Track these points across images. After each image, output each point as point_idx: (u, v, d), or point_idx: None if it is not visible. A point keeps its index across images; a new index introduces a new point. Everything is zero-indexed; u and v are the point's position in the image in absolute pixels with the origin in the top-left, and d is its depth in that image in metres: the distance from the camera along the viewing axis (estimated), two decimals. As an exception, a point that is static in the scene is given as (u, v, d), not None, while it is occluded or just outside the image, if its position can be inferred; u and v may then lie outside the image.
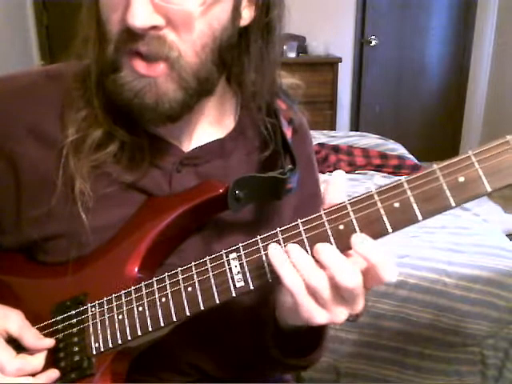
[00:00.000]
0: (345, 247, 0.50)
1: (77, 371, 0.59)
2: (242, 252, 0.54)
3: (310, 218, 0.51)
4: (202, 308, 0.55)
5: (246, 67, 0.62)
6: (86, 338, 0.59)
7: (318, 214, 0.51)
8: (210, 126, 0.67)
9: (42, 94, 0.64)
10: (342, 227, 0.50)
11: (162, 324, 0.57)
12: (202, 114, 0.65)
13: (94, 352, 0.59)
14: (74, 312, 0.61)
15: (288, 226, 0.52)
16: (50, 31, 3.43)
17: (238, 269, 0.54)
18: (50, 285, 0.64)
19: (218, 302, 0.55)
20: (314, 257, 0.50)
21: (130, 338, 0.58)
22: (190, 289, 0.56)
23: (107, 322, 0.59)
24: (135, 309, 0.58)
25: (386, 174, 2.38)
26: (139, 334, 0.57)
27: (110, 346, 0.58)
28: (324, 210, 0.51)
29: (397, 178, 0.51)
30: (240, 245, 0.54)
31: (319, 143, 2.65)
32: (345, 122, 3.95)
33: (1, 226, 0.66)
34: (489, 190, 0.46)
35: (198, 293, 0.55)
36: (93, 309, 0.60)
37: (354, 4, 3.72)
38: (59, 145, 0.61)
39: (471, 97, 3.97)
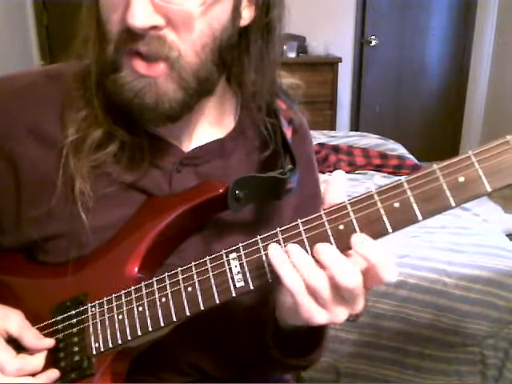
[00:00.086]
0: (345, 247, 0.50)
1: (77, 371, 0.59)
2: (242, 252, 0.54)
3: (309, 218, 0.51)
4: (202, 308, 0.55)
5: (246, 67, 0.62)
6: (86, 338, 0.59)
7: (317, 214, 0.51)
8: (210, 126, 0.67)
9: (42, 93, 0.64)
10: (342, 227, 0.50)
11: (162, 324, 0.57)
12: (202, 113, 0.65)
13: (94, 352, 0.59)
14: (73, 312, 0.61)
15: (288, 226, 0.52)
16: (50, 31, 3.43)
17: (238, 269, 0.54)
18: (50, 285, 0.64)
19: (217, 302, 0.55)
20: (314, 257, 0.50)
21: (130, 338, 0.58)
22: (190, 289, 0.56)
23: (107, 322, 0.59)
24: (135, 309, 0.58)
25: (385, 174, 2.38)
26: (139, 334, 0.57)
27: (110, 345, 0.58)
28: (324, 210, 0.51)
29: (397, 178, 0.51)
30: (240, 245, 0.54)
31: (319, 143, 2.65)
32: (345, 122, 3.95)
33: (1, 225, 0.66)
34: (489, 190, 0.46)
35: (198, 293, 0.55)
36: (93, 309, 0.60)
37: (354, 4, 3.72)
38: (59, 145, 0.61)
39: (471, 97, 3.97)
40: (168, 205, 0.62)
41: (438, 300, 1.47)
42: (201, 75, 0.56)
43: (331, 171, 2.36)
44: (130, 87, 0.55)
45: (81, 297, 0.61)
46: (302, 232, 0.51)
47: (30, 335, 0.60)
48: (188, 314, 0.56)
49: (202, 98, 0.60)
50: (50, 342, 0.60)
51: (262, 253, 0.53)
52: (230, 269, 0.54)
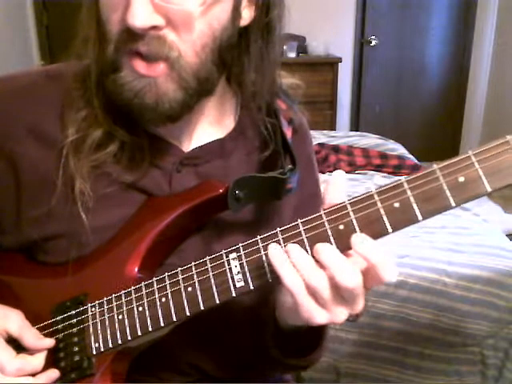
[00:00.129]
0: (345, 247, 0.50)
1: (77, 371, 0.59)
2: (242, 252, 0.54)
3: (309, 218, 0.51)
4: (202, 308, 0.55)
5: (246, 67, 0.62)
6: (85, 338, 0.59)
7: (317, 214, 0.51)
8: (210, 126, 0.67)
9: (42, 94, 0.64)
10: (342, 227, 0.50)
11: (162, 324, 0.57)
12: (202, 114, 0.65)
13: (94, 352, 0.59)
14: (73, 312, 0.61)
15: (288, 225, 0.52)
16: (50, 31, 3.43)
17: (238, 269, 0.54)
18: (50, 285, 0.64)
19: (217, 301, 0.55)
20: (314, 257, 0.50)
21: (129, 338, 0.58)
22: (190, 289, 0.56)
23: (107, 322, 0.59)
24: (135, 309, 0.58)
25: (385, 174, 2.38)
26: (139, 334, 0.57)
27: (110, 345, 0.58)
28: (324, 210, 0.51)
29: (397, 178, 0.51)
30: (240, 245, 0.54)
31: (319, 143, 2.65)
32: (345, 122, 3.95)
33: (1, 226, 0.66)
34: (489, 190, 0.46)
35: (198, 293, 0.55)
36: (93, 309, 0.60)
37: (354, 4, 3.72)
38: (59, 145, 0.61)
39: (471, 97, 3.97)
40: (168, 205, 0.62)
41: (438, 300, 1.47)
42: (201, 75, 0.56)
43: (331, 171, 2.36)
44: (130, 87, 0.55)
45: (81, 297, 0.61)
46: (302, 232, 0.51)
47: (30, 335, 0.60)
48: (188, 314, 0.56)
49: (202, 98, 0.60)
50: (50, 342, 0.60)
51: (262, 253, 0.53)
52: (230, 269, 0.54)
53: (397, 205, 0.48)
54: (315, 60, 3.47)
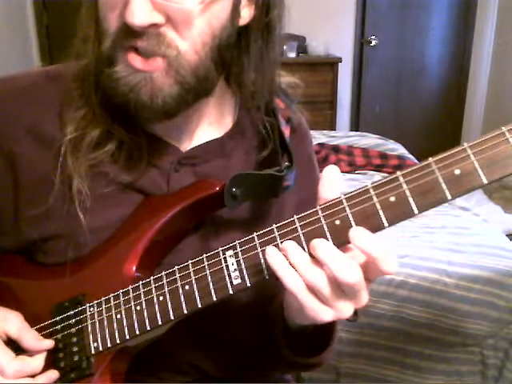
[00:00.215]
0: (342, 242, 0.49)
1: (76, 371, 0.59)
2: (239, 249, 0.54)
3: (305, 213, 0.51)
4: (200, 306, 0.55)
5: (245, 67, 0.62)
6: (84, 338, 0.60)
7: (313, 210, 0.51)
8: (209, 126, 0.67)
9: (42, 94, 0.64)
10: (338, 222, 0.50)
11: (160, 322, 0.57)
12: (200, 114, 0.65)
13: (93, 352, 0.59)
14: (72, 312, 0.61)
15: (284, 222, 0.52)
16: (50, 31, 3.42)
17: (235, 266, 0.54)
18: (49, 286, 0.64)
19: (215, 299, 0.55)
20: (311, 253, 0.49)
21: (128, 337, 0.58)
22: (187, 287, 0.56)
23: (105, 322, 0.59)
24: (133, 308, 0.58)
25: (386, 174, 2.37)
26: (137, 333, 0.57)
27: (109, 345, 0.58)
28: (320, 205, 0.51)
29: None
30: (237, 242, 0.54)
31: (319, 143, 2.65)
32: (345, 122, 3.95)
33: (0, 227, 0.66)
34: (485, 182, 0.46)
35: (196, 290, 0.55)
36: (91, 309, 0.60)
37: (354, 4, 3.71)
38: (57, 143, 0.61)
39: (471, 97, 3.96)
40: (165, 204, 0.62)
41: (438, 300, 1.47)
42: (199, 73, 0.56)
43: (331, 171, 2.35)
44: (125, 82, 0.55)
45: (79, 297, 0.61)
46: (298, 228, 0.51)
47: (30, 337, 0.60)
48: (186, 311, 0.56)
49: (200, 98, 0.60)
50: (49, 344, 0.60)
51: (259, 250, 0.53)
52: (227, 266, 0.54)
53: (393, 199, 0.48)
54: (315, 60, 3.47)
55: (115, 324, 0.58)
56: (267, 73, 0.64)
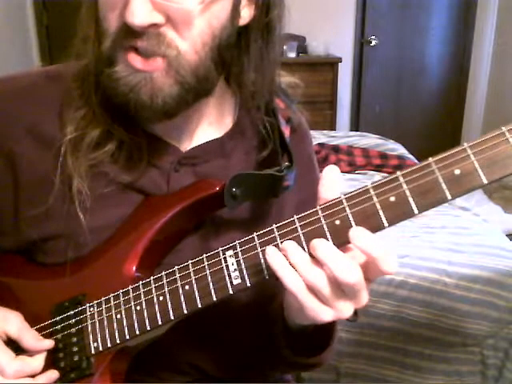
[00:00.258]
0: (342, 242, 0.49)
1: (76, 371, 0.59)
2: (239, 249, 0.54)
3: (305, 213, 0.51)
4: (200, 306, 0.55)
5: (245, 67, 0.62)
6: (84, 338, 0.60)
7: (313, 210, 0.51)
8: (209, 126, 0.67)
9: (42, 94, 0.64)
10: (338, 222, 0.50)
11: (160, 322, 0.57)
12: (200, 114, 0.65)
13: (93, 352, 0.59)
14: (72, 312, 0.61)
15: (284, 222, 0.52)
16: (50, 31, 3.42)
17: (235, 266, 0.54)
18: (49, 286, 0.64)
19: (215, 299, 0.55)
20: (311, 253, 0.49)
21: (128, 337, 0.58)
22: (187, 287, 0.56)
23: (105, 322, 0.59)
24: (133, 308, 0.58)
25: (386, 174, 2.37)
26: (137, 332, 0.57)
27: (109, 345, 0.58)
28: (320, 205, 0.51)
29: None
30: (237, 242, 0.54)
31: (319, 143, 2.65)
32: (345, 122, 3.95)
33: (0, 226, 0.66)
34: (485, 182, 0.46)
35: (196, 290, 0.55)
36: (91, 309, 0.60)
37: (354, 4, 3.71)
38: (57, 143, 0.61)
39: (471, 97, 3.96)
40: (165, 204, 0.62)
41: (438, 300, 1.47)
42: (199, 73, 0.56)
43: (331, 171, 2.35)
44: (125, 82, 0.55)
45: (79, 297, 0.61)
46: (298, 228, 0.51)
47: (30, 337, 0.60)
48: (185, 311, 0.56)
49: (200, 98, 0.60)
50: (49, 344, 0.60)
51: (259, 250, 0.53)
52: (227, 266, 0.54)
53: (393, 199, 0.48)
54: (315, 60, 3.47)
55: (115, 324, 0.58)
56: (267, 73, 0.64)
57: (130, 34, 0.53)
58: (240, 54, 0.62)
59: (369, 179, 2.29)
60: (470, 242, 1.65)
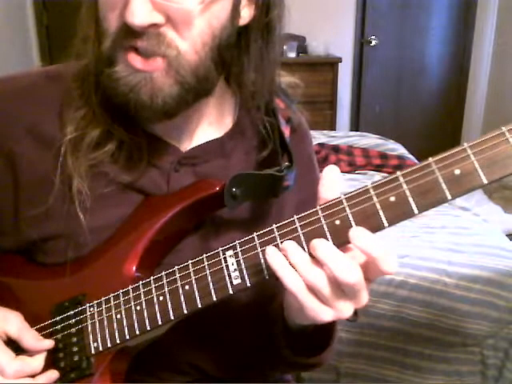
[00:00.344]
0: (342, 242, 0.49)
1: (76, 371, 0.59)
2: (239, 249, 0.54)
3: (305, 213, 0.51)
4: (200, 306, 0.55)
5: (245, 67, 0.62)
6: (84, 338, 0.60)
7: (313, 210, 0.51)
8: (209, 126, 0.67)
9: (42, 94, 0.64)
10: (338, 222, 0.50)
11: (160, 322, 0.57)
12: (200, 114, 0.65)
13: (93, 352, 0.59)
14: (72, 312, 0.61)
15: (284, 222, 0.52)
16: (50, 31, 3.42)
17: (235, 266, 0.54)
18: (49, 286, 0.64)
19: (215, 299, 0.55)
20: (311, 253, 0.49)
21: (128, 337, 0.58)
22: (187, 287, 0.56)
23: (105, 322, 0.59)
24: (133, 308, 0.58)
25: (386, 174, 2.37)
26: (137, 332, 0.57)
27: (109, 345, 0.58)
28: (320, 205, 0.51)
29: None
30: (237, 242, 0.54)
31: (319, 143, 2.65)
32: (345, 122, 3.95)
33: (0, 227, 0.66)
34: (485, 182, 0.46)
35: (196, 290, 0.55)
36: (91, 309, 0.60)
37: (354, 4, 3.71)
38: (57, 143, 0.61)
39: (471, 97, 3.96)
40: (165, 204, 0.62)
41: (438, 300, 1.47)
42: (199, 73, 0.56)
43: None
44: (125, 82, 0.55)
45: (79, 297, 0.61)
46: (298, 228, 0.51)
47: (30, 337, 0.60)
48: (185, 311, 0.56)
49: (201, 98, 0.60)
50: (49, 344, 0.60)
51: (259, 250, 0.53)
52: (227, 266, 0.54)
53: (393, 199, 0.48)
54: (315, 60, 3.47)
55: (115, 324, 0.58)
56: (267, 73, 0.64)
57: (129, 34, 0.53)
58: (240, 54, 0.62)
59: (369, 179, 2.29)
60: (470, 242, 1.65)
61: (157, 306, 0.57)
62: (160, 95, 0.55)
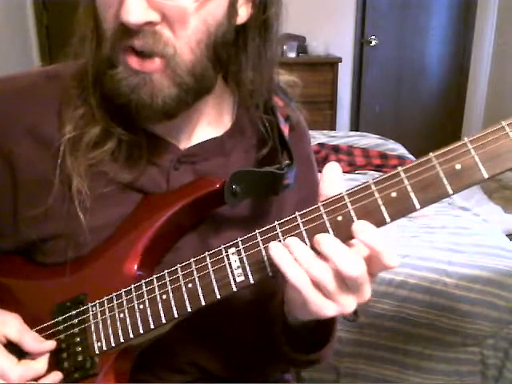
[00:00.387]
0: (344, 238, 0.49)
1: (80, 371, 0.59)
2: (241, 247, 0.54)
3: (307, 210, 0.51)
4: (203, 304, 0.55)
5: (243, 65, 0.62)
6: (88, 338, 0.59)
7: (315, 206, 0.51)
8: (208, 125, 0.67)
9: (42, 94, 0.64)
10: (340, 218, 0.50)
11: (164, 321, 0.57)
12: (199, 113, 0.65)
13: (97, 351, 0.59)
14: (74, 312, 0.61)
15: (286, 219, 0.52)
16: (50, 31, 3.42)
17: (238, 263, 0.54)
18: (50, 286, 0.64)
19: (218, 296, 0.55)
20: (315, 249, 0.49)
21: (132, 336, 0.58)
22: (190, 285, 0.56)
23: (109, 321, 0.59)
24: (136, 306, 0.58)
25: (385, 174, 2.37)
26: (141, 331, 0.57)
27: (113, 344, 0.58)
28: (321, 201, 0.51)
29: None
30: (239, 239, 0.54)
31: (319, 143, 2.65)
32: (345, 122, 3.95)
33: (-1, 227, 0.66)
34: (486, 176, 0.46)
35: (199, 288, 0.55)
36: (94, 308, 0.60)
37: (354, 4, 3.71)
38: (56, 143, 0.61)
39: (471, 97, 3.97)
40: (165, 202, 0.62)
41: (438, 300, 1.47)
42: (196, 72, 0.56)
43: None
44: (126, 83, 0.55)
45: (80, 297, 0.61)
46: (301, 224, 0.51)
47: (30, 339, 0.59)
48: (189, 309, 0.56)
49: (200, 97, 0.60)
50: (51, 344, 0.60)
51: (262, 247, 0.53)
52: (230, 263, 0.54)
53: (394, 194, 0.48)
54: (315, 60, 3.47)
55: (118, 323, 0.58)
56: (265, 71, 0.64)
57: (126, 34, 0.53)
58: (238, 53, 0.62)
59: (369, 179, 2.28)
60: (470, 242, 1.65)
61: (160, 305, 0.57)
62: (160, 95, 0.55)
